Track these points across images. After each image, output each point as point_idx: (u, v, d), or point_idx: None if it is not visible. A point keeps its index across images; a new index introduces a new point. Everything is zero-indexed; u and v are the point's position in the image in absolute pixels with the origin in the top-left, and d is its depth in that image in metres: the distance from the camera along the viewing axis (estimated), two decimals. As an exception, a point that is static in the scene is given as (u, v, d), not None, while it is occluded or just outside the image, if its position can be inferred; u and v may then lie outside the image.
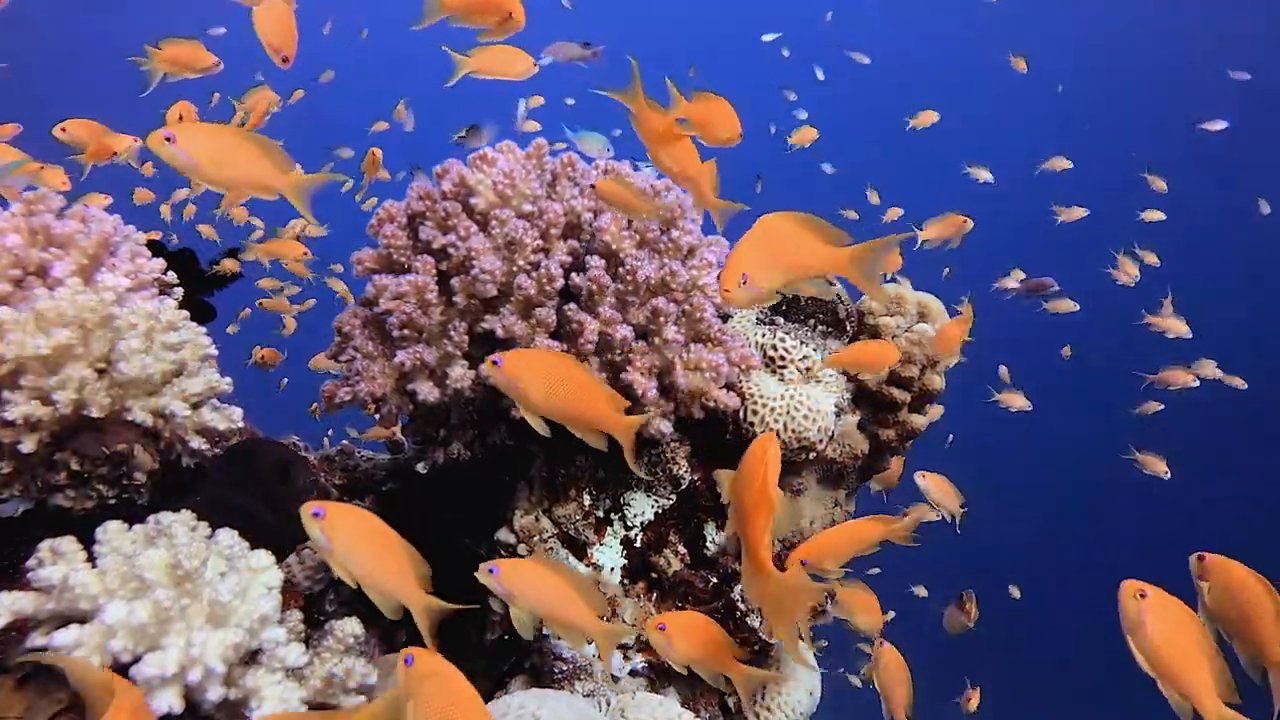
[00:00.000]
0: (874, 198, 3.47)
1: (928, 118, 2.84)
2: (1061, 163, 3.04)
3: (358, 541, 0.82)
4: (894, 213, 3.12)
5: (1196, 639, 0.80)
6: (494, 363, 0.85)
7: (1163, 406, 3.00)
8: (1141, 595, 0.82)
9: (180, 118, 1.21)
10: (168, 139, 0.86)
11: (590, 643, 0.94)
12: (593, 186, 1.17)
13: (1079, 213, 3.05)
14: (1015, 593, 3.21)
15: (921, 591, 3.14)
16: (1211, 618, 0.84)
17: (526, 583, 0.88)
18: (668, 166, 1.00)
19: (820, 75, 5.70)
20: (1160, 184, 3.30)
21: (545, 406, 0.87)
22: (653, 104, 0.95)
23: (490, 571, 0.88)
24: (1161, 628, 0.81)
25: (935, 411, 1.54)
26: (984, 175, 2.69)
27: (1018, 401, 2.68)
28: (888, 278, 1.75)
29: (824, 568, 1.04)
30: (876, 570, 2.76)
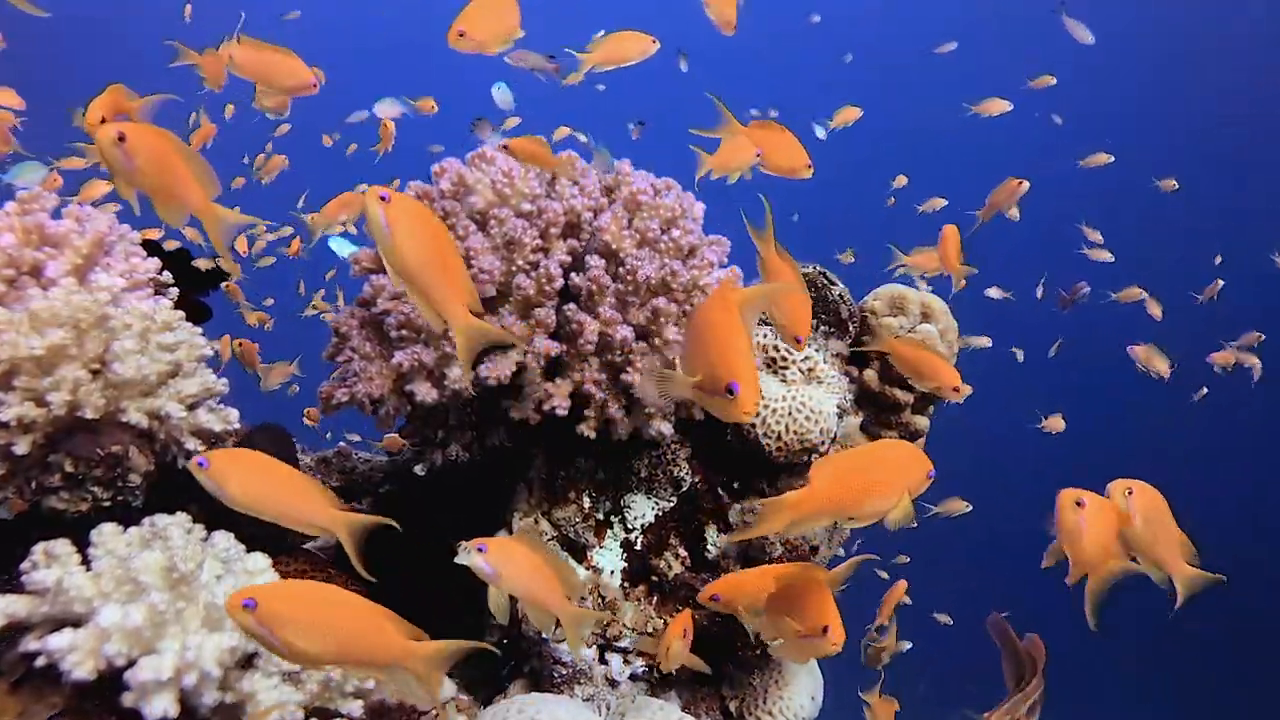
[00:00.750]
0: (901, 181, 3.35)
1: (997, 105, 2.72)
2: (1102, 157, 2.96)
3: (252, 480, 0.80)
4: (936, 203, 2.98)
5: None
6: (381, 197, 0.78)
7: (1206, 390, 2.97)
8: (1079, 504, 0.85)
9: (102, 119, 1.18)
10: (120, 138, 0.83)
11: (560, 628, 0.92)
12: (504, 146, 1.16)
13: (1105, 256, 2.99)
14: (945, 619, 3.19)
15: (945, 619, 3.11)
16: (1128, 542, 0.88)
17: (511, 563, 0.87)
18: (777, 320, 0.97)
19: (848, 58, 5.61)
20: (1170, 184, 3.24)
21: (404, 261, 0.79)
22: (782, 252, 0.94)
23: (479, 549, 0.86)
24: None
25: (964, 391, 1.50)
26: (1013, 212, 2.66)
27: (1058, 425, 2.68)
28: (908, 279, 1.72)
29: (736, 607, 0.99)
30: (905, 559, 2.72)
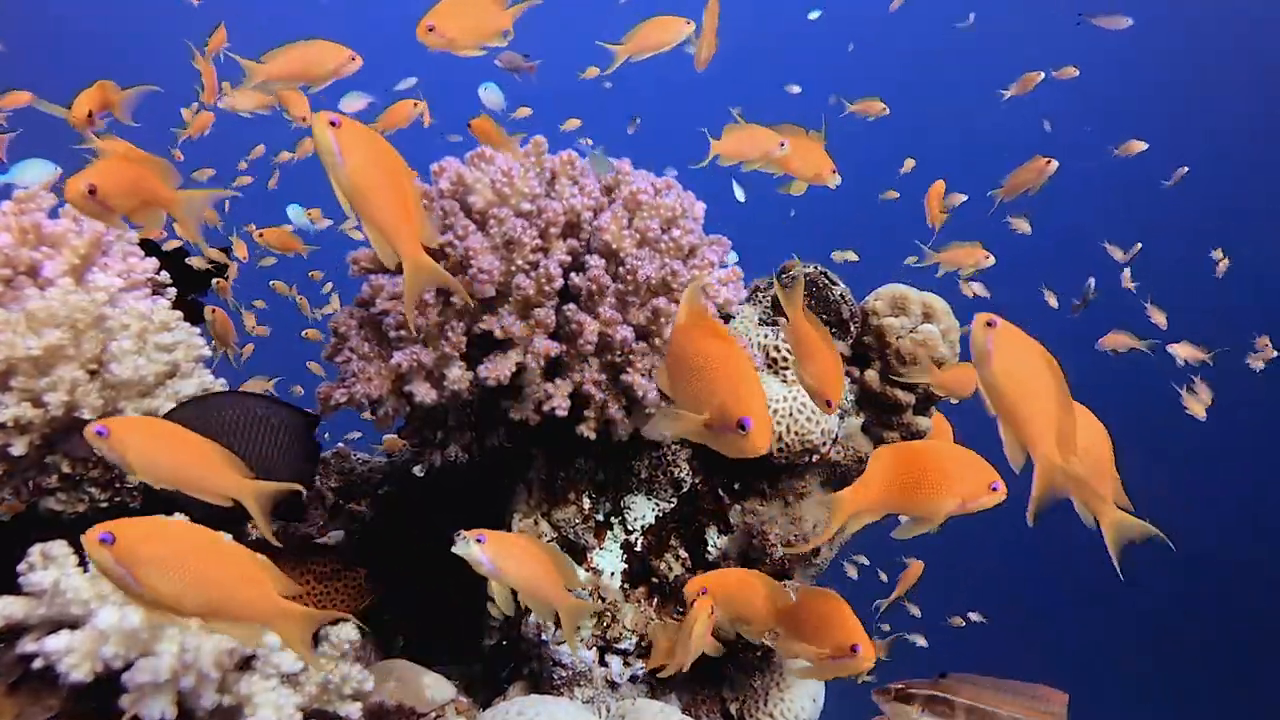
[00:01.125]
0: (909, 164, 3.27)
1: (1030, 80, 2.62)
2: (1136, 145, 2.89)
3: (152, 448, 0.78)
4: (955, 198, 2.88)
5: (1047, 382, 0.72)
6: (331, 122, 0.74)
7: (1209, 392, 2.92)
8: (990, 324, 0.73)
9: (89, 113, 1.17)
10: (91, 191, 0.83)
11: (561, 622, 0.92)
12: (469, 124, 1.16)
13: (1131, 251, 2.92)
14: (959, 621, 3.15)
15: (960, 621, 3.08)
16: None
17: (509, 555, 0.87)
18: (807, 383, 0.97)
19: (850, 48, 5.49)
20: (1180, 173, 3.16)
21: (356, 188, 0.75)
22: (811, 318, 0.93)
23: (478, 540, 0.85)
24: (1010, 363, 0.73)
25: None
26: (1024, 227, 2.59)
27: None
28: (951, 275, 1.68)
29: (738, 612, 0.96)
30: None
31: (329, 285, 3.44)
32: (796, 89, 4.05)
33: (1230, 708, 7.25)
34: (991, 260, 1.59)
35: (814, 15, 5.31)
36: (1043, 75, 2.46)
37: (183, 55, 1.31)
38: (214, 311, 1.58)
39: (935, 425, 1.37)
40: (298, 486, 0.86)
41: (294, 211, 2.50)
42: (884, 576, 2.59)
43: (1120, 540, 0.78)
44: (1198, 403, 2.38)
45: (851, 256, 2.89)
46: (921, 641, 2.72)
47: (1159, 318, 2.73)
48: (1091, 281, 2.64)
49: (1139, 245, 2.90)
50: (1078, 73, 2.89)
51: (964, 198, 2.64)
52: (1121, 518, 0.78)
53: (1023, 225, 2.51)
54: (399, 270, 0.83)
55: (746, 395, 0.72)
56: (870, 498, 0.83)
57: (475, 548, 0.85)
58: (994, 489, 0.81)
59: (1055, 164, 1.67)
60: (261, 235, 1.93)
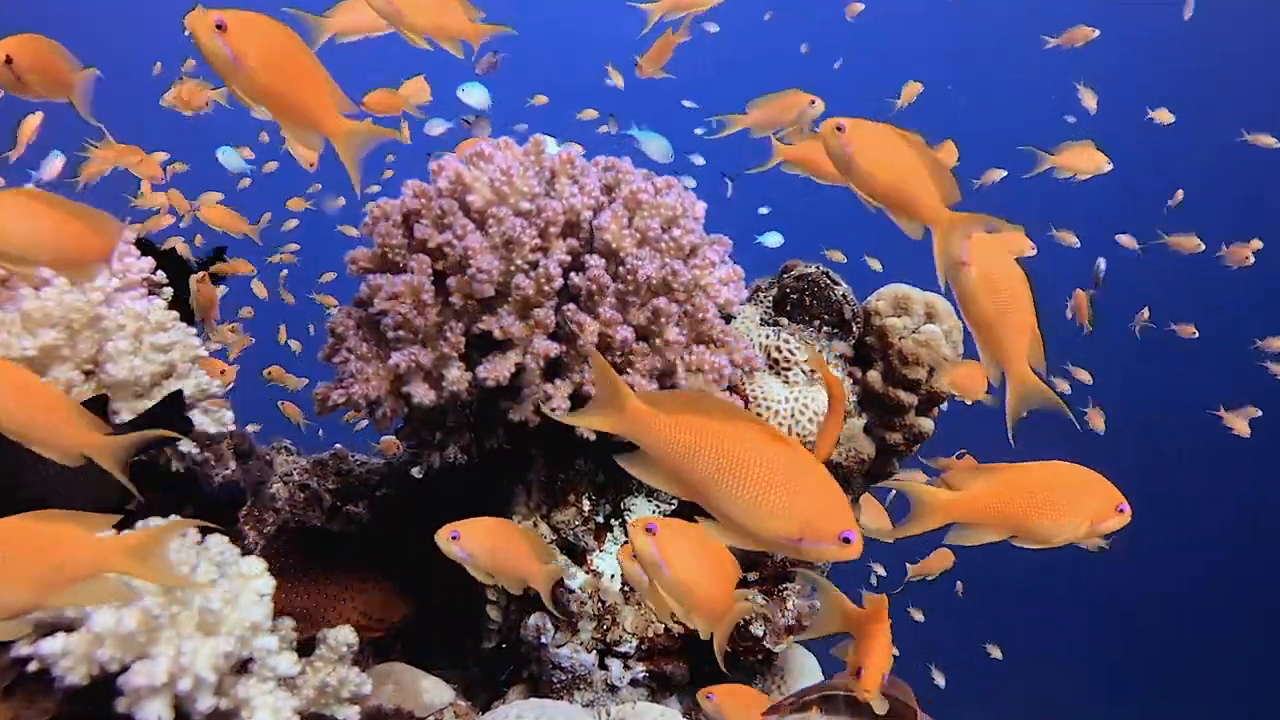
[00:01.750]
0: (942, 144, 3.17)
1: (1082, 34, 2.48)
2: (1164, 115, 2.77)
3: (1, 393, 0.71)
4: (993, 174, 2.74)
5: (909, 154, 0.70)
6: (218, 24, 0.67)
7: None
8: (839, 129, 0.70)
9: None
10: (7, 60, 0.81)
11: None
12: (362, 103, 1.16)
13: (1195, 242, 2.81)
14: (996, 652, 3.12)
15: (997, 652, 3.06)
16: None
17: (481, 543, 0.91)
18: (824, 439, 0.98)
19: (838, 63, 5.52)
20: (1252, 139, 3.07)
21: (262, 87, 0.69)
22: (833, 374, 0.93)
23: (453, 537, 0.90)
24: (871, 154, 0.71)
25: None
26: (1070, 239, 2.53)
27: (1098, 423, 2.56)
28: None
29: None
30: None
31: (331, 275, 3.40)
32: (804, 48, 3.98)
33: (1228, 708, 7.25)
34: (1034, 250, 1.53)
35: (768, 16, 5.29)
36: (1097, 33, 2.36)
37: (173, 42, 1.30)
38: (200, 280, 1.48)
39: (960, 463, 1.36)
40: (166, 433, 0.81)
41: (226, 155, 2.31)
42: (875, 579, 2.58)
43: (1022, 403, 0.74)
44: (1240, 420, 2.34)
45: (875, 265, 2.83)
46: (940, 680, 2.67)
47: (1242, 424, 2.65)
48: (1101, 262, 2.58)
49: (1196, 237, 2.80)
50: (1096, 105, 2.83)
51: (1003, 173, 2.53)
52: (1030, 378, 0.73)
53: (1070, 238, 2.46)
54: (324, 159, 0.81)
55: (841, 506, 0.63)
56: (970, 511, 0.76)
57: (451, 545, 0.90)
58: (1121, 510, 0.76)
59: (1110, 165, 1.61)
60: (200, 210, 1.80)
